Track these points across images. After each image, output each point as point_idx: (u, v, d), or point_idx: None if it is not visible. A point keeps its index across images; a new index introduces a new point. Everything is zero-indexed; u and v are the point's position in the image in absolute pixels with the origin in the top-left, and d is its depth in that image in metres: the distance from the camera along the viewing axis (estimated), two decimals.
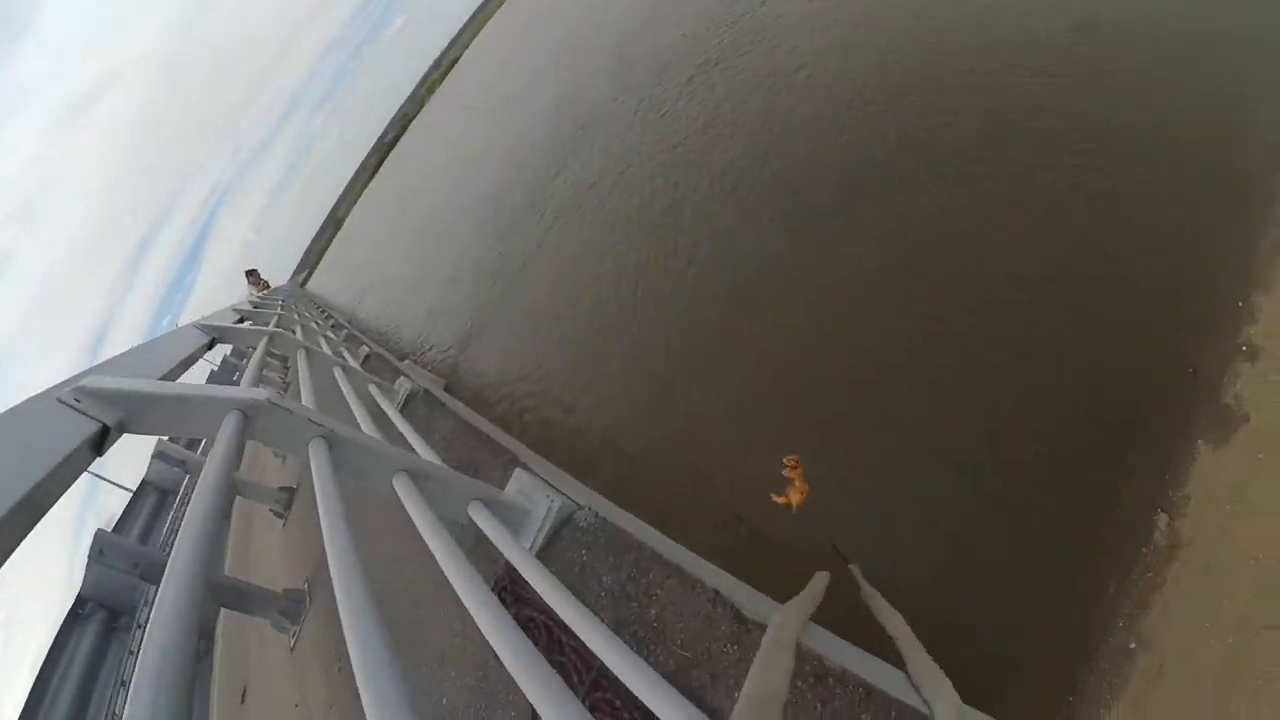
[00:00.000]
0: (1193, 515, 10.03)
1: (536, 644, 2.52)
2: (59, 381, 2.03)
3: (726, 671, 2.31)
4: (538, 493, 3.58)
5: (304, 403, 4.10)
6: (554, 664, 2.44)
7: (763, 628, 2.32)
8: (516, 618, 2.69)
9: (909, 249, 13.52)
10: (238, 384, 3.56)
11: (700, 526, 12.90)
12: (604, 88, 24.09)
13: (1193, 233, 11.64)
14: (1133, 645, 9.94)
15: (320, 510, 2.06)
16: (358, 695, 1.24)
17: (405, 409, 7.29)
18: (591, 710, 2.31)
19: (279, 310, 9.56)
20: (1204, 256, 11.40)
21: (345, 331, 17.25)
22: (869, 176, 14.46)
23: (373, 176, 72.00)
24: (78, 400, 1.87)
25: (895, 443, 12.33)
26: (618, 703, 2.34)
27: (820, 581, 2.38)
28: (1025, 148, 13.08)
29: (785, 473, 4.92)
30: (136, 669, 1.05)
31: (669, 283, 16.22)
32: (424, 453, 3.86)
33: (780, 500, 4.97)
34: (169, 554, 1.41)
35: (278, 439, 2.52)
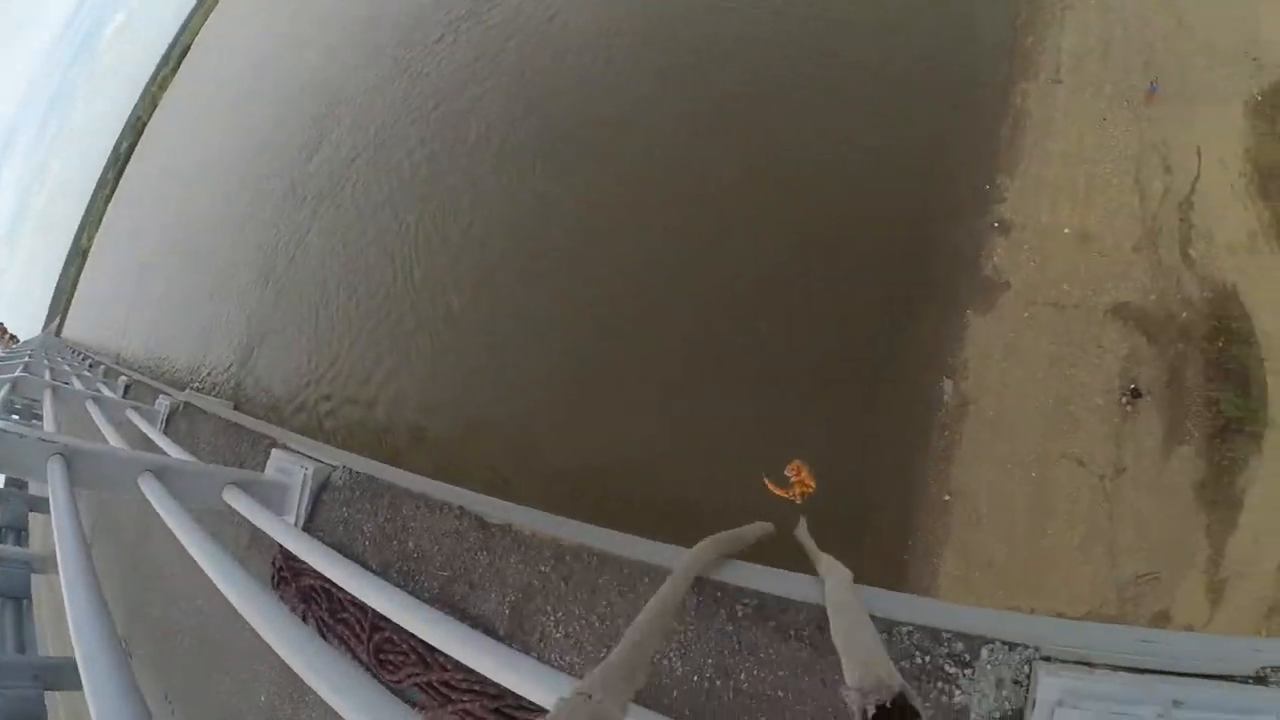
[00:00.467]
0: (974, 375, 10.94)
1: (320, 609, 2.84)
2: None
3: (484, 579, 2.48)
4: (293, 465, 3.64)
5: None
6: (339, 622, 2.74)
7: (509, 529, 2.50)
8: (299, 590, 2.99)
9: (692, 178, 13.45)
10: None
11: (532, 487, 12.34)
12: (350, 58, 21.73)
13: (940, 127, 12.67)
14: (947, 498, 10.69)
15: (55, 529, 2.10)
16: None
17: (169, 427, 7.01)
18: (377, 651, 2.56)
19: (26, 359, 9.63)
20: (952, 147, 12.47)
21: (104, 367, 15.63)
22: (636, 116, 14.11)
23: (113, 193, 63.78)
24: None
25: (712, 355, 12.37)
26: (395, 638, 2.52)
27: (755, 529, 2.42)
28: (781, 61, 13.48)
29: (791, 474, 5.61)
30: None
31: (448, 252, 14.94)
32: (174, 453, 3.93)
33: (781, 493, 5.68)
34: None
35: (9, 462, 2.57)
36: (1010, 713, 1.55)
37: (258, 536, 3.60)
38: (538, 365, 13.19)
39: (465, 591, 2.50)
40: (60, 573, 1.87)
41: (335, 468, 3.59)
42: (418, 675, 2.38)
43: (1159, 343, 10.24)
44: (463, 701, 2.19)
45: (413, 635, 2.25)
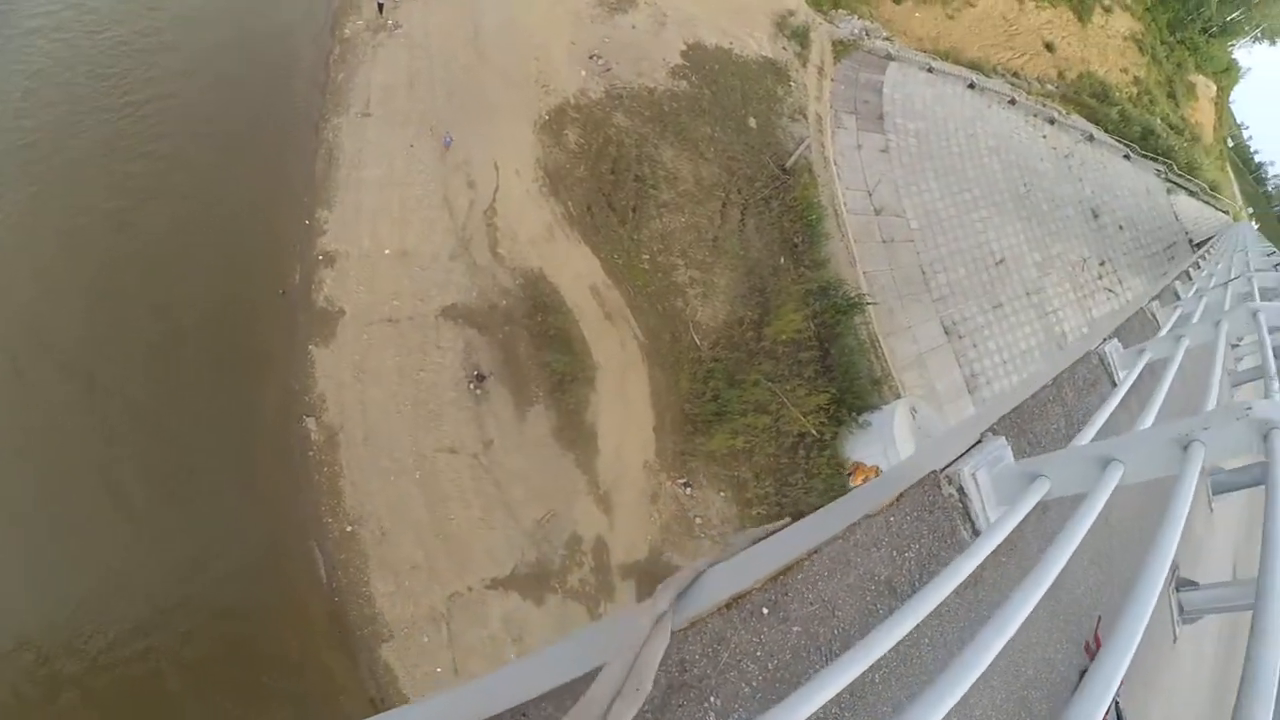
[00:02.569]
0: (333, 405, 11.02)
1: None
2: None
3: None
4: None
5: None
6: None
7: None
8: None
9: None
10: None
11: None
12: None
13: (259, 176, 12.92)
14: (350, 528, 10.54)
15: None
16: None
17: None
18: None
19: None
20: (273, 194, 12.80)
21: None
22: None
23: None
24: None
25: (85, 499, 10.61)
26: None
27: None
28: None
29: None
30: None
31: None
32: None
33: None
34: None
35: None
36: None
37: None
38: None
39: None
40: None
41: None
42: None
43: (489, 330, 11.69)
44: None
45: None
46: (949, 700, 1.08)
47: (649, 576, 11.84)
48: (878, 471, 11.67)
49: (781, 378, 13.87)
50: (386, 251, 11.74)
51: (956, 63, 27.35)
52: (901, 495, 2.10)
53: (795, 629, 1.78)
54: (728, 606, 1.72)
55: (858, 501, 2.07)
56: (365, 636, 10.21)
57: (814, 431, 13.88)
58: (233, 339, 10.81)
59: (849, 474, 11.21)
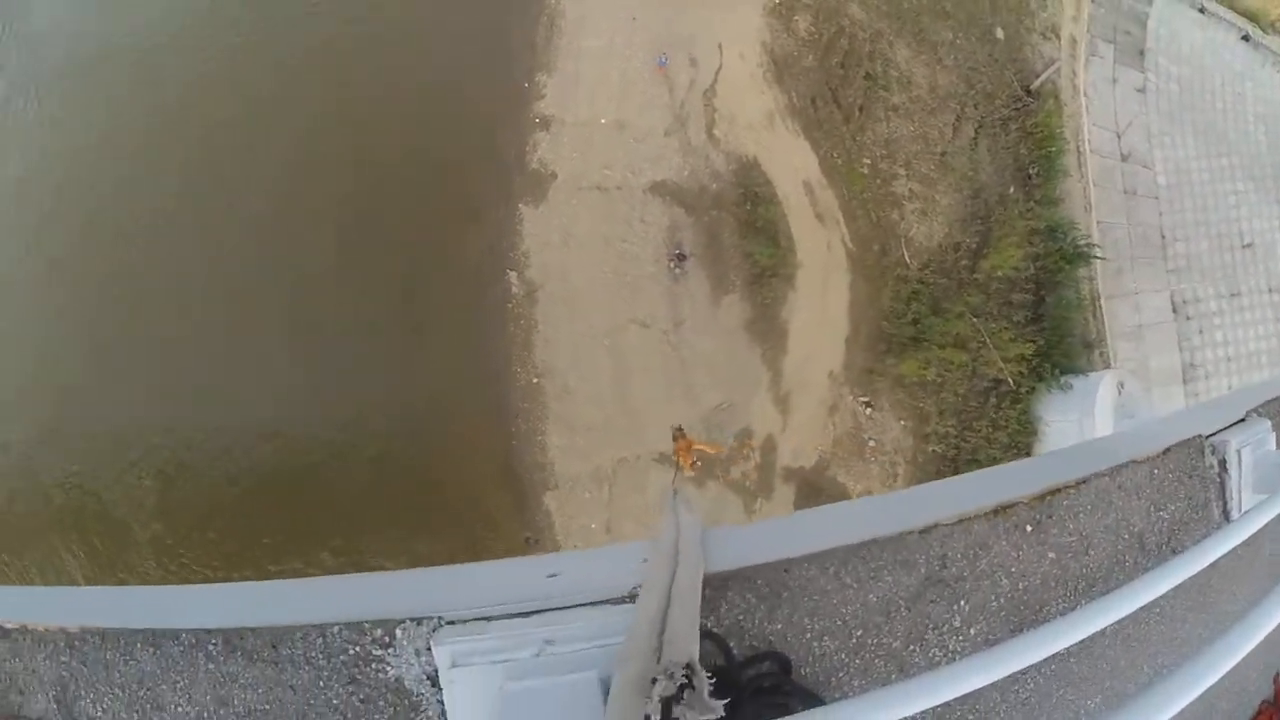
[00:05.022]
0: (536, 263, 11.37)
1: None
2: None
3: (28, 683, 2.32)
4: None
5: None
6: None
7: (25, 630, 2.36)
8: None
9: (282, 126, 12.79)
10: None
11: None
12: None
13: (479, 36, 13.06)
14: (536, 380, 11.07)
15: None
16: None
17: None
18: None
19: None
20: (492, 52, 12.94)
21: None
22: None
23: None
24: None
25: (303, 303, 11.78)
26: None
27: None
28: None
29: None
30: None
31: None
32: None
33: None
34: None
35: None
36: (433, 672, 1.69)
37: None
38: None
39: (19, 700, 2.43)
40: None
41: None
42: None
43: (696, 211, 11.39)
44: None
45: None
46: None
47: (810, 486, 11.59)
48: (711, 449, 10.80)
49: (988, 315, 12.65)
50: (603, 121, 11.68)
51: (1231, 7, 22.63)
52: (1168, 450, 2.02)
53: (1050, 555, 1.74)
54: (995, 513, 1.69)
55: (1127, 443, 2.04)
56: (533, 482, 10.93)
57: (1010, 381, 12.67)
58: (444, 189, 11.36)
59: (674, 440, 10.35)
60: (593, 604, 1.63)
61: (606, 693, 1.37)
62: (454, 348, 10.84)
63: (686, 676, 1.14)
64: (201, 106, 11.69)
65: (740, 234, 11.37)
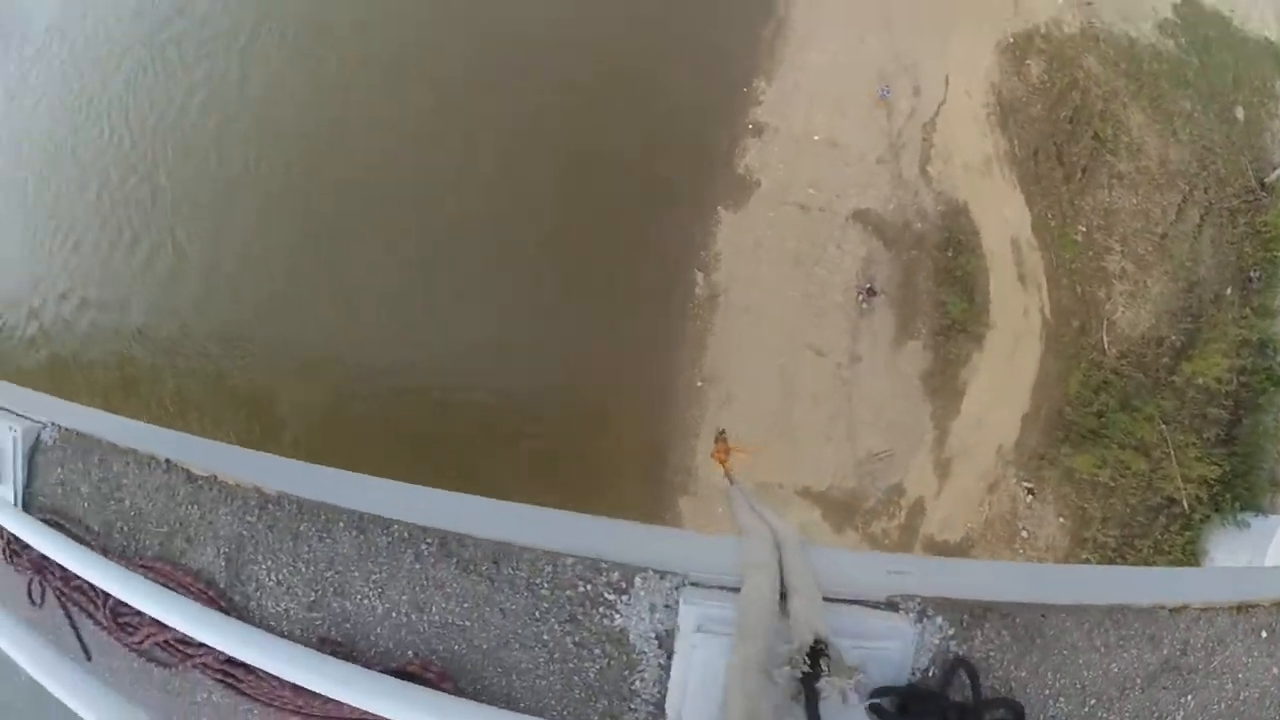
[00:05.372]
0: (725, 268, 10.98)
1: (54, 579, 2.74)
2: None
3: (199, 532, 2.42)
4: (1, 426, 3.18)
5: None
6: (74, 589, 2.65)
7: (214, 480, 2.46)
8: (31, 560, 2.85)
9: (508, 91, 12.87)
10: None
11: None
12: None
13: (703, 35, 12.74)
14: (700, 384, 10.75)
15: None
16: None
17: None
18: (114, 615, 2.51)
19: None
20: (718, 49, 12.57)
21: None
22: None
23: None
24: None
25: (487, 247, 11.93)
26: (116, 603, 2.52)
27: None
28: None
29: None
30: None
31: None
32: None
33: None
34: None
35: None
36: (664, 633, 1.66)
37: None
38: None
39: (184, 547, 2.52)
40: None
41: (44, 425, 3.28)
42: (155, 635, 2.40)
43: (895, 247, 10.75)
44: (199, 656, 2.24)
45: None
46: None
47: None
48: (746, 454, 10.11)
49: (1178, 425, 11.47)
50: (815, 137, 11.17)
51: None
52: None
53: (1274, 671, 1.67)
54: (1237, 609, 1.65)
55: None
56: (673, 482, 10.84)
57: (1185, 505, 11.48)
58: (648, 179, 11.15)
59: (715, 442, 10.04)
60: (850, 601, 1.61)
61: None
62: (627, 332, 10.85)
63: (815, 652, 1.14)
64: (467, 81, 12.02)
65: (936, 280, 10.68)
